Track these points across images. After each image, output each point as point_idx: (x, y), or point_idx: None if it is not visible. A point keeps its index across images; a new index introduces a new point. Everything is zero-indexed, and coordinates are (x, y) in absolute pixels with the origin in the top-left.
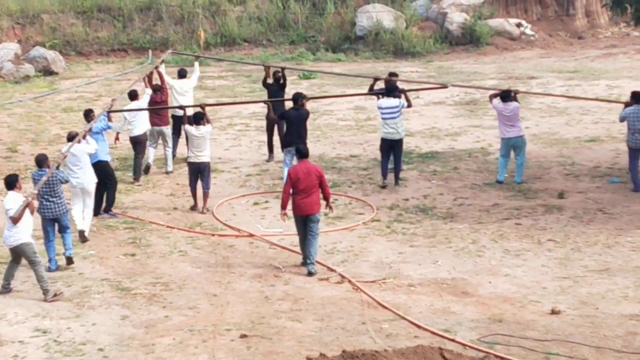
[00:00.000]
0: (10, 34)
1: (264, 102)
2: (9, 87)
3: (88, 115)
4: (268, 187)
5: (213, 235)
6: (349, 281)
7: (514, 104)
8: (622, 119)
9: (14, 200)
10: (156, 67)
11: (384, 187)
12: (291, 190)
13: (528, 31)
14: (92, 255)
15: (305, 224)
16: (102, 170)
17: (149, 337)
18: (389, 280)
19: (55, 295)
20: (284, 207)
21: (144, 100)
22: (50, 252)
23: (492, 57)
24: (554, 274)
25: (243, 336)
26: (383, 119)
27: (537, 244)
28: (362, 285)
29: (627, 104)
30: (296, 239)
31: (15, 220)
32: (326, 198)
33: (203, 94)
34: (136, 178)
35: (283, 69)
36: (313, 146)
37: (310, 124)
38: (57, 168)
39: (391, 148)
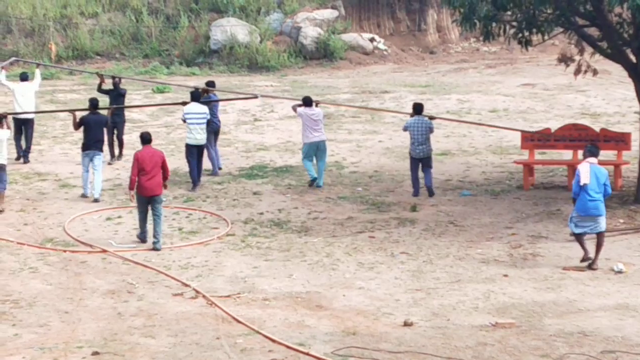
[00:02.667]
0: None
1: (108, 108)
2: None
3: None
4: (121, 202)
5: (65, 251)
6: (204, 296)
7: (317, 109)
8: (404, 129)
9: None
10: None
11: (194, 188)
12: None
13: (381, 46)
14: None
15: (148, 204)
16: None
17: None
18: (244, 295)
19: None
20: (131, 188)
21: None
22: None
23: (346, 71)
24: (407, 286)
25: (95, 353)
26: (190, 124)
27: (391, 256)
28: (217, 300)
29: (411, 115)
30: (149, 254)
31: None
32: (165, 178)
33: (55, 108)
34: None
35: (112, 77)
36: (167, 160)
37: (164, 138)
38: None
39: (198, 153)
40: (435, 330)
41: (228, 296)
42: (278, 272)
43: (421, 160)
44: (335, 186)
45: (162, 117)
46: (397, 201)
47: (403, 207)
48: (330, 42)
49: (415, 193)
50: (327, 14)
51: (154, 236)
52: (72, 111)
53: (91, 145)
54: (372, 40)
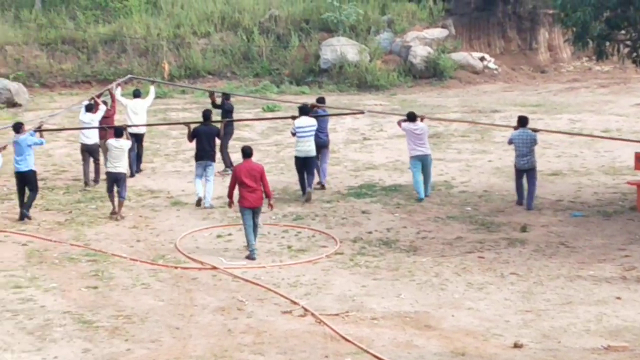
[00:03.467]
0: None
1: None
2: None
3: (17, 128)
4: (231, 219)
5: (176, 267)
6: (312, 314)
7: (421, 124)
8: (509, 142)
9: None
10: (109, 89)
11: (308, 199)
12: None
13: (491, 65)
14: (54, 287)
15: (252, 216)
16: (31, 178)
17: None
18: (352, 314)
19: None
20: (229, 197)
21: (98, 114)
22: None
23: (456, 90)
24: (517, 308)
25: None
26: (300, 137)
27: (500, 277)
28: (325, 318)
29: (515, 128)
30: (259, 272)
31: None
32: (267, 195)
33: (167, 126)
34: (95, 181)
35: (223, 93)
36: (277, 178)
37: (274, 156)
38: None
39: (306, 165)
40: (545, 353)
41: (336, 314)
42: (386, 291)
43: (526, 172)
44: (444, 206)
45: (272, 136)
46: (507, 221)
47: (513, 228)
48: (440, 61)
49: (519, 201)
50: (437, 33)
51: (252, 242)
52: (187, 124)
53: (202, 155)
54: (482, 59)
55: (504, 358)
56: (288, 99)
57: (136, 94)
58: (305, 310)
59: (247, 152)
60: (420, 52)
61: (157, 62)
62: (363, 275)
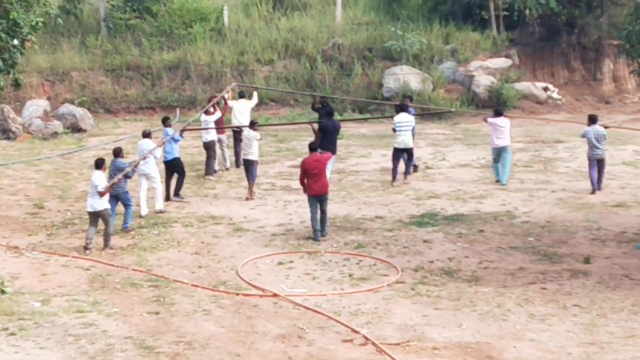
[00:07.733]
0: (39, 91)
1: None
2: (37, 144)
3: (165, 121)
4: (293, 246)
5: (237, 294)
6: (373, 343)
7: (505, 118)
8: (582, 136)
9: (99, 177)
10: (222, 97)
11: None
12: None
13: (555, 95)
14: (116, 312)
15: (317, 203)
16: (176, 164)
17: None
18: (413, 343)
19: (111, 248)
20: (302, 184)
21: (215, 116)
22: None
23: (519, 120)
24: (580, 340)
25: None
26: (399, 131)
27: (563, 309)
28: (386, 348)
29: (587, 125)
30: (320, 300)
31: (102, 194)
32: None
33: (231, 152)
34: (209, 173)
35: (322, 96)
36: (339, 207)
37: (335, 184)
38: (136, 166)
39: (402, 155)
40: None
41: (397, 344)
42: (448, 321)
43: (597, 162)
44: (506, 236)
45: (334, 164)
46: (570, 252)
47: (576, 259)
48: (503, 91)
49: (593, 190)
50: (501, 62)
51: (322, 228)
52: (310, 123)
53: (329, 147)
54: (545, 89)
55: None
56: (350, 126)
57: (241, 95)
58: (366, 339)
59: (312, 147)
60: (483, 82)
61: (221, 88)
62: (424, 304)
